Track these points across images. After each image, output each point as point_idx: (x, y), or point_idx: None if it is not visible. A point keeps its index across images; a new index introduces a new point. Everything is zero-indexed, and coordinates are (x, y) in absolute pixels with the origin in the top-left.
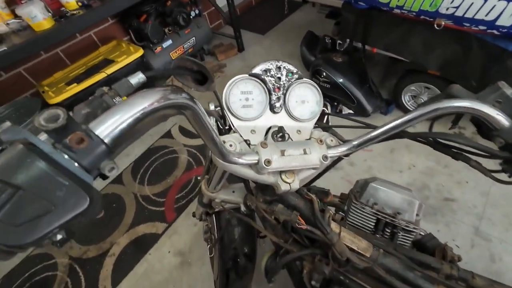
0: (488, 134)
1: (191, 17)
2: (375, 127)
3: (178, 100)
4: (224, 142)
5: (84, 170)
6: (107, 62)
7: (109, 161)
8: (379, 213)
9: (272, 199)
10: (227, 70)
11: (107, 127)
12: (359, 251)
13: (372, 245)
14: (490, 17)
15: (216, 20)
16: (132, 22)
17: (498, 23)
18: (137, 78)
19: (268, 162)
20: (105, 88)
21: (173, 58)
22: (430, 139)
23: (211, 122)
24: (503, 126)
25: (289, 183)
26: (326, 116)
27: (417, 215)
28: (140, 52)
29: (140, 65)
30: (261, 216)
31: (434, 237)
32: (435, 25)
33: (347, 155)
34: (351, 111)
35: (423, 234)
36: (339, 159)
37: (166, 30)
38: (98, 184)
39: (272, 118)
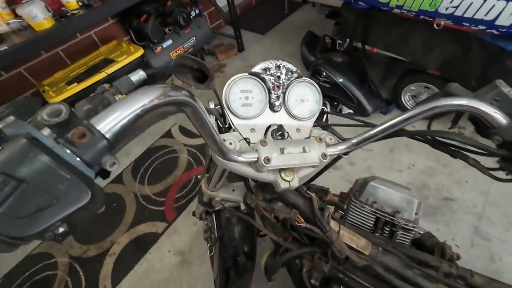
0: (485, 132)
1: (191, 17)
2: (373, 126)
3: (178, 97)
4: (224, 140)
5: (86, 164)
6: (108, 61)
7: (110, 156)
8: (378, 211)
9: (271, 197)
10: (227, 70)
11: (108, 123)
12: (358, 249)
13: (371, 243)
14: (490, 17)
15: (216, 20)
16: (132, 22)
17: (497, 22)
18: (138, 75)
19: (268, 160)
20: (106, 85)
21: (173, 58)
22: (429, 137)
23: (211, 120)
24: (500, 124)
25: (289, 181)
26: (325, 115)
27: (416, 213)
28: (140, 52)
29: (140, 64)
30: (261, 214)
31: (433, 235)
32: (435, 25)
33: (346, 154)
34: (351, 111)
35: (422, 233)
36: (338, 157)
37: (167, 30)
38: (99, 183)
39: (271, 116)
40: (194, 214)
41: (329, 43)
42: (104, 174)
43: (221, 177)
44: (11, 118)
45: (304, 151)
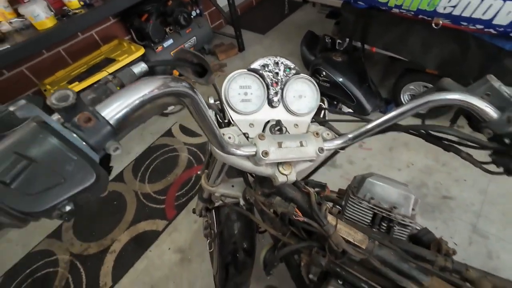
0: (477, 126)
1: (192, 16)
2: (369, 121)
3: (179, 88)
4: (223, 134)
5: (91, 148)
6: (109, 61)
7: (113, 142)
8: (375, 207)
9: (270, 191)
10: (227, 69)
11: (112, 110)
12: (355, 243)
13: (368, 237)
14: (487, 16)
15: (217, 20)
16: (133, 21)
17: (495, 22)
18: (140, 67)
19: (266, 153)
20: (110, 76)
21: None
22: (422, 131)
23: (211, 115)
24: (491, 118)
25: (286, 175)
26: (323, 111)
27: (413, 209)
28: (141, 51)
29: None
30: (260, 209)
31: (430, 231)
32: (433, 24)
33: (343, 148)
34: (350, 110)
35: (419, 228)
36: (335, 152)
37: (167, 29)
38: None
39: (270, 112)
40: (194, 211)
41: (329, 43)
42: (107, 164)
43: (221, 172)
44: (23, 101)
45: (302, 145)
